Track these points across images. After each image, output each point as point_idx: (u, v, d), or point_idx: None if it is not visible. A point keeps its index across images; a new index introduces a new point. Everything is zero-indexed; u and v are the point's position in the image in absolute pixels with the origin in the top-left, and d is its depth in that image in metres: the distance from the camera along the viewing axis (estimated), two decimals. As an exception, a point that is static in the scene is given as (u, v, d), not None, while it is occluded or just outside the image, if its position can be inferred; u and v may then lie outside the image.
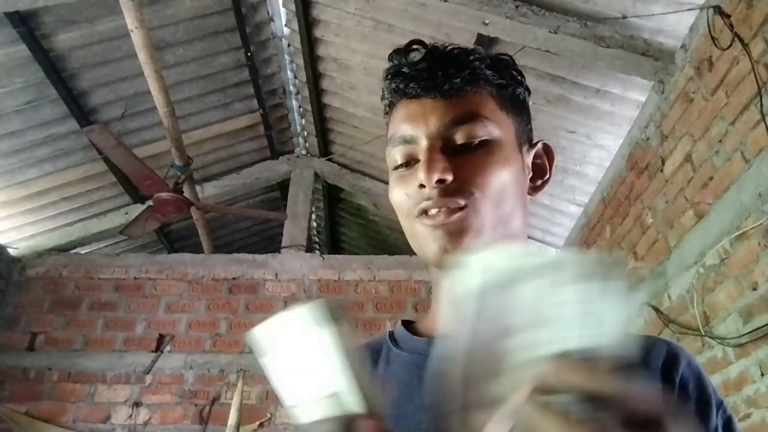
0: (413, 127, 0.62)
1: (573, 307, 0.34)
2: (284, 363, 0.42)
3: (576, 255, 0.35)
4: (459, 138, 0.61)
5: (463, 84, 0.62)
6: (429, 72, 0.62)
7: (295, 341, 0.41)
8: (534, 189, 0.68)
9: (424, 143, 0.60)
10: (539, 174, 0.69)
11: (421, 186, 0.59)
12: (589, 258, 0.34)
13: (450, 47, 0.65)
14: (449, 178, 0.58)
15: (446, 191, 0.58)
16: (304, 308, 0.41)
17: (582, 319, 0.34)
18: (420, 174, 0.58)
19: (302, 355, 0.41)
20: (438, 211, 0.59)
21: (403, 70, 0.64)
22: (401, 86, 0.64)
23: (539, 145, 0.70)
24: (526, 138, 0.68)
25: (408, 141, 0.62)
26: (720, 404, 0.56)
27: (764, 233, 1.84)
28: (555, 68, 2.86)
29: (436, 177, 0.58)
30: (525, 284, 0.36)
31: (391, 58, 0.66)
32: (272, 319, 0.42)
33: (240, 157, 4.61)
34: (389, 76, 0.66)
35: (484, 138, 0.61)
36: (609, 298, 0.34)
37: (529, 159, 0.67)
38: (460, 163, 0.59)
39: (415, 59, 0.64)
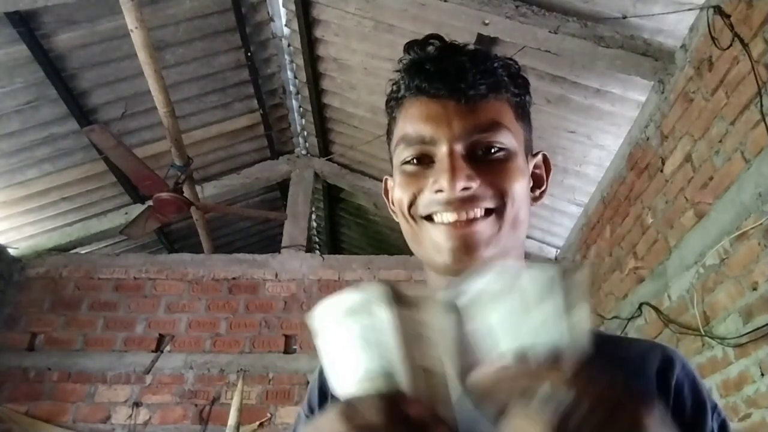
0: (434, 128, 0.60)
1: (532, 318, 0.40)
2: (339, 341, 0.43)
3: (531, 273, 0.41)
4: (480, 145, 0.60)
5: (488, 91, 0.61)
6: (455, 73, 0.60)
7: (352, 319, 0.42)
8: (533, 199, 0.68)
9: (444, 147, 0.59)
10: (537, 184, 0.69)
11: (439, 191, 0.58)
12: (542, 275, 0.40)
13: (471, 48, 0.63)
14: (474, 185, 0.57)
15: (472, 197, 0.58)
16: (367, 288, 0.42)
17: (538, 328, 0.40)
18: (441, 180, 0.57)
19: (358, 334, 0.41)
20: (456, 218, 0.58)
21: (426, 66, 0.62)
22: (423, 84, 0.61)
23: (539, 156, 0.70)
24: (530, 147, 0.68)
25: (426, 142, 0.60)
26: (714, 407, 0.57)
27: (764, 233, 1.84)
28: (555, 68, 2.86)
29: (461, 185, 0.57)
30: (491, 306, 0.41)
31: (408, 50, 0.64)
32: (334, 297, 0.43)
33: (240, 157, 4.61)
34: (409, 71, 0.63)
35: (504, 147, 0.61)
36: (557, 309, 0.39)
37: (530, 168, 0.67)
38: (483, 170, 0.59)
39: (438, 56, 0.62)
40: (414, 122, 0.62)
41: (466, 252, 0.58)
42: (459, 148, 0.59)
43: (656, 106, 2.57)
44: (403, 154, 0.62)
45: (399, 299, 0.41)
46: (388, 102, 0.68)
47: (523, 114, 0.66)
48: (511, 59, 0.67)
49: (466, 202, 0.58)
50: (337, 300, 0.43)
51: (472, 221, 0.58)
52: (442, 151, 0.59)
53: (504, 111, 0.62)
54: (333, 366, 0.44)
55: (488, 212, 0.59)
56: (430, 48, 0.63)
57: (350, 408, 0.38)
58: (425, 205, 0.60)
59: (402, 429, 0.37)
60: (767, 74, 1.82)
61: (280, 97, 4.29)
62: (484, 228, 0.58)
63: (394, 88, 0.66)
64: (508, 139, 0.61)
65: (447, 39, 0.64)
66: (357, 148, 4.40)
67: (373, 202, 4.87)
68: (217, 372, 3.67)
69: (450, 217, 0.58)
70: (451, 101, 0.60)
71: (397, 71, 0.65)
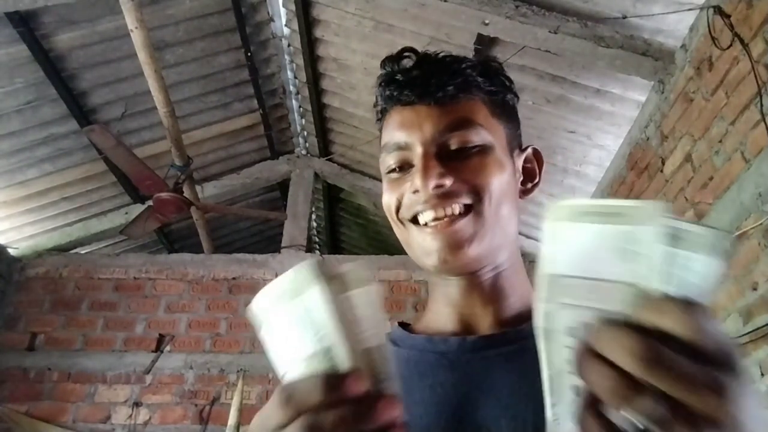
0: (407, 133, 0.63)
1: (667, 251, 0.35)
2: (277, 329, 0.42)
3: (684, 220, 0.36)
4: (453, 144, 0.62)
5: (456, 91, 0.63)
6: (422, 79, 0.63)
7: (286, 304, 0.41)
8: (524, 192, 0.70)
9: (419, 150, 0.61)
10: (529, 178, 0.71)
11: (416, 191, 0.60)
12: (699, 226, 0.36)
13: (442, 54, 0.66)
14: (447, 183, 0.59)
15: (448, 193, 0.59)
16: (291, 270, 0.41)
17: (673, 265, 0.35)
18: (416, 180, 0.59)
19: (293, 317, 0.41)
20: (436, 219, 0.60)
21: (397, 77, 0.65)
22: (395, 93, 0.65)
23: (529, 150, 0.71)
24: (516, 143, 0.69)
25: (402, 147, 0.63)
26: None
27: (764, 233, 1.84)
28: (555, 68, 2.86)
29: (433, 183, 0.59)
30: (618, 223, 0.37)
31: (383, 65, 0.67)
32: (265, 287, 0.42)
33: (240, 157, 4.62)
34: (382, 84, 0.67)
35: (478, 143, 0.62)
36: (702, 252, 0.35)
37: (519, 163, 0.69)
38: (457, 168, 0.60)
39: (408, 66, 0.65)
40: (391, 131, 0.65)
41: (451, 252, 0.59)
42: (432, 148, 0.61)
43: (656, 106, 2.57)
44: (386, 162, 0.65)
45: (330, 276, 0.41)
46: (376, 117, 0.71)
47: (501, 111, 0.67)
48: (494, 60, 0.69)
49: (441, 198, 0.59)
50: (270, 286, 0.42)
51: (452, 221, 0.59)
52: (416, 153, 0.62)
53: (476, 109, 0.64)
54: (275, 354, 0.43)
55: (467, 209, 0.60)
56: (405, 60, 0.66)
57: (288, 391, 0.38)
58: (407, 207, 0.62)
59: (342, 406, 0.37)
60: (767, 74, 1.82)
61: (280, 97, 4.29)
62: (465, 226, 0.60)
63: (375, 103, 0.70)
64: (481, 135, 0.62)
65: (438, 43, 0.67)
66: (357, 148, 4.40)
67: (373, 202, 4.87)
68: (217, 372, 3.67)
69: (429, 215, 0.60)
70: (422, 106, 0.63)
71: (375, 86, 0.69)
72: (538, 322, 0.40)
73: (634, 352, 0.32)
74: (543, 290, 0.39)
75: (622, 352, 0.33)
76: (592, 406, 0.35)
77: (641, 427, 0.33)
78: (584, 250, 0.38)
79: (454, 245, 0.59)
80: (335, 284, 0.41)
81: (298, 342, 0.41)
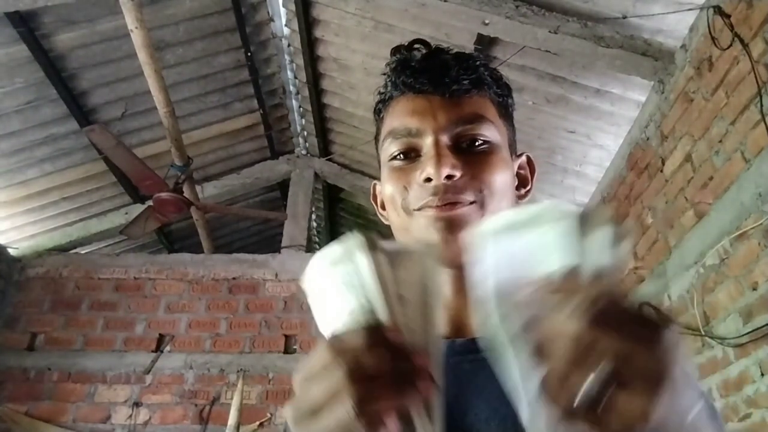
0: (420, 121, 0.62)
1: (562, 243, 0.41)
2: (326, 290, 0.46)
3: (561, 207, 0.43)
4: (464, 138, 0.62)
5: (470, 86, 0.64)
6: (438, 70, 0.64)
7: (337, 269, 0.45)
8: (519, 197, 0.70)
9: (430, 138, 0.61)
10: (522, 184, 0.71)
11: (427, 180, 0.59)
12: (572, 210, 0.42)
13: (454, 50, 0.66)
14: (458, 174, 0.59)
15: (455, 187, 0.59)
16: (347, 239, 0.45)
17: (581, 247, 0.41)
18: (428, 168, 0.59)
19: (343, 280, 0.44)
20: (443, 204, 0.59)
21: (412, 64, 0.65)
22: (409, 80, 0.65)
23: (523, 157, 0.72)
24: (514, 148, 0.70)
25: (412, 134, 0.63)
26: (702, 393, 0.58)
27: (764, 233, 1.84)
28: (555, 68, 2.86)
29: (446, 171, 0.58)
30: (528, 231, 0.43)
31: (394, 53, 0.67)
32: (319, 253, 0.46)
33: (240, 157, 4.62)
34: (395, 69, 0.67)
35: (488, 140, 0.63)
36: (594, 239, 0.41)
37: (514, 168, 0.70)
38: (467, 161, 0.61)
39: (423, 56, 0.65)
40: (401, 116, 0.65)
41: (452, 232, 0.59)
42: (444, 138, 0.61)
43: (656, 106, 2.57)
44: (390, 148, 0.65)
45: (377, 247, 0.44)
46: (376, 106, 0.71)
47: (505, 113, 0.68)
48: (492, 67, 0.70)
49: (449, 190, 0.59)
50: (322, 254, 0.46)
51: (456, 206, 0.60)
52: (427, 142, 0.61)
53: (487, 106, 0.65)
54: (323, 316, 0.46)
55: (476, 201, 0.61)
56: (416, 51, 0.66)
57: (335, 339, 0.41)
58: (416, 198, 0.61)
59: (383, 351, 0.39)
60: (767, 74, 1.82)
61: (280, 97, 4.29)
62: (469, 212, 0.60)
63: (382, 90, 0.69)
64: (491, 132, 0.63)
65: (438, 43, 0.67)
66: (357, 148, 4.40)
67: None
68: (217, 372, 3.67)
69: (437, 202, 0.60)
70: (435, 96, 0.63)
71: (384, 74, 0.69)
72: (496, 330, 0.43)
73: (585, 313, 0.35)
74: (493, 300, 0.44)
75: (572, 316, 0.35)
76: (555, 390, 0.37)
77: (596, 391, 0.34)
78: (512, 258, 0.44)
79: (457, 227, 0.59)
80: (377, 253, 0.44)
81: (344, 301, 0.44)
